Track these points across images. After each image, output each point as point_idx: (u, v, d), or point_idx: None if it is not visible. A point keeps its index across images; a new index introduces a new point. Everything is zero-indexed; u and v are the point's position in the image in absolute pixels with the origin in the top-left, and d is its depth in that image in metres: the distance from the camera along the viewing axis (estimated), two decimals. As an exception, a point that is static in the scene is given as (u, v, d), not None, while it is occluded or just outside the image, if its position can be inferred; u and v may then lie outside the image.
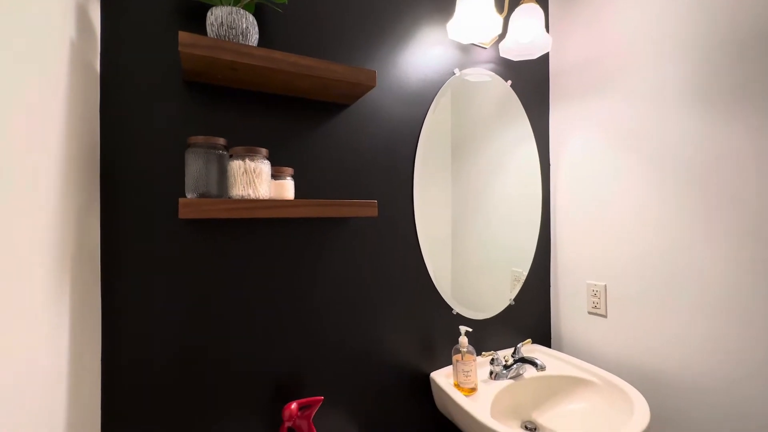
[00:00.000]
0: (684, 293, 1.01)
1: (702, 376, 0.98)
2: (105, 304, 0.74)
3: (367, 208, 0.84)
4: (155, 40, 0.78)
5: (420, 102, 1.11)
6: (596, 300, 1.22)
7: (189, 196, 0.73)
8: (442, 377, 1.08)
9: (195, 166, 0.73)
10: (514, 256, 1.30)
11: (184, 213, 0.66)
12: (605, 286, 1.19)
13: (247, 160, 0.74)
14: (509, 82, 1.29)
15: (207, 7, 0.82)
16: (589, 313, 1.24)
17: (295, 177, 0.90)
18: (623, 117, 1.15)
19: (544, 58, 1.38)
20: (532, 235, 1.35)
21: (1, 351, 0.41)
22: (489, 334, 1.23)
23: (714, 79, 0.95)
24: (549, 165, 1.39)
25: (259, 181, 0.76)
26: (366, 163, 1.02)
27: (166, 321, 0.79)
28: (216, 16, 0.75)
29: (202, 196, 0.73)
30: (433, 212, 1.14)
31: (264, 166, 0.76)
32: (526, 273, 1.32)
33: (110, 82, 0.74)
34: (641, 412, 0.90)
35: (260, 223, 0.89)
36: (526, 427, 1.03)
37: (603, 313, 1.20)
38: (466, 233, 1.20)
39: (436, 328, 1.13)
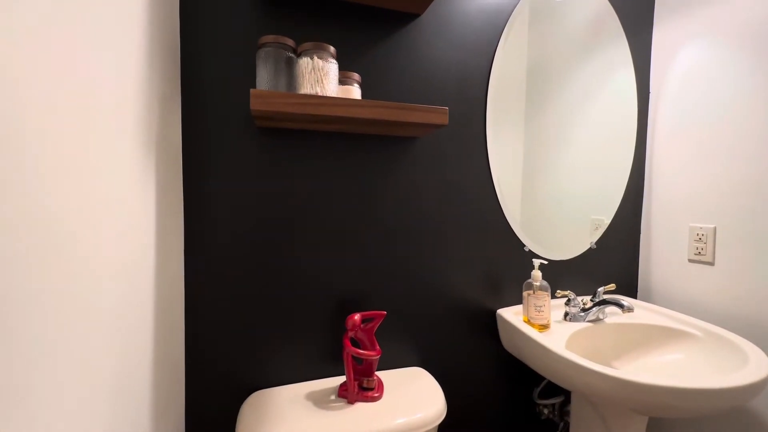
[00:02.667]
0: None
1: None
2: (186, 197, 0.79)
3: (437, 114, 0.78)
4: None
5: (495, 17, 1.00)
6: (701, 245, 1.04)
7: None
8: (510, 313, 1.01)
9: (265, 67, 0.73)
10: (597, 199, 1.15)
11: (255, 104, 0.67)
12: (714, 228, 1.01)
13: (315, 58, 0.72)
14: (605, -9, 1.11)
15: None
16: (690, 260, 1.07)
17: (361, 88, 0.87)
18: (756, 13, 0.92)
19: (651, -38, 1.17)
20: (622, 174, 1.18)
21: (93, 227, 0.43)
22: (563, 279, 1.12)
23: None
24: (648, 93, 1.19)
25: (326, 80, 0.73)
26: (435, 78, 0.95)
27: (235, 226, 0.82)
28: None
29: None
30: (507, 143, 1.04)
31: (332, 66, 0.74)
32: (608, 220, 1.16)
33: (188, -16, 0.76)
34: (759, 363, 0.75)
35: (329, 138, 0.88)
36: (605, 373, 0.93)
37: (709, 260, 1.02)
38: (543, 169, 1.08)
39: (505, 264, 1.05)
